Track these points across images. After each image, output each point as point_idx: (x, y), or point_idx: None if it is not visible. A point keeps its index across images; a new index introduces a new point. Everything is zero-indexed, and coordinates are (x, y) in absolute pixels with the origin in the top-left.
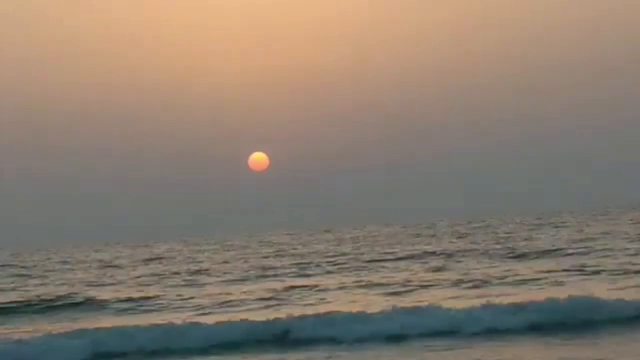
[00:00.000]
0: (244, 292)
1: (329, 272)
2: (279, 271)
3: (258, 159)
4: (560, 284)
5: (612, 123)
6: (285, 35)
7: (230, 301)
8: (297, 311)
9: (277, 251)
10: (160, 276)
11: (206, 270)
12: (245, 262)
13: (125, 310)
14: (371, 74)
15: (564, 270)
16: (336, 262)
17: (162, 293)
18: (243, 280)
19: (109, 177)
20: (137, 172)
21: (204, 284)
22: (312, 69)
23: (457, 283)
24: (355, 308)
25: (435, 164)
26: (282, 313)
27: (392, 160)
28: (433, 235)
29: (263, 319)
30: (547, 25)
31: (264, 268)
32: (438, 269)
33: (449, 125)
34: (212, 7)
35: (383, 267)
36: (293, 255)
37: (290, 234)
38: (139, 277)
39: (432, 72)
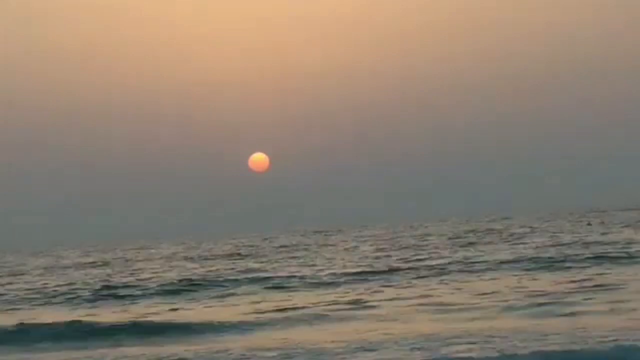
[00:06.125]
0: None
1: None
2: None
3: (258, 159)
4: None
5: (612, 122)
6: (286, 36)
7: None
8: None
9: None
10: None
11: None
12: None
13: None
14: (372, 75)
15: None
16: None
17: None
18: None
19: (109, 177)
20: (137, 172)
21: None
22: (312, 69)
23: None
24: None
25: (435, 163)
26: None
27: (393, 160)
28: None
29: None
30: (545, 25)
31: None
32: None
33: (449, 125)
34: (212, 9)
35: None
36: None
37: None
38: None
39: (432, 72)
